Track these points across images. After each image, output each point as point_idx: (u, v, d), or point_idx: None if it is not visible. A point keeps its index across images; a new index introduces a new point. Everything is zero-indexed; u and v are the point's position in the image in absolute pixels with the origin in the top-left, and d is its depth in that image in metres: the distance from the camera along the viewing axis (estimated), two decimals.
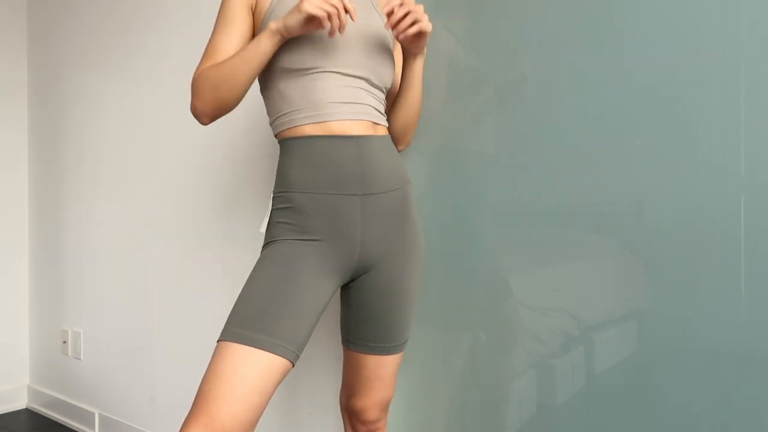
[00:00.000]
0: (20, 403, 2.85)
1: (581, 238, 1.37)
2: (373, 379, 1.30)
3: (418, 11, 1.17)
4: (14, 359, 2.85)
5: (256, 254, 1.89)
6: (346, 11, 1.13)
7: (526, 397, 1.43)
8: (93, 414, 2.50)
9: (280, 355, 1.06)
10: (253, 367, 1.03)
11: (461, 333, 1.52)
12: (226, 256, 2.01)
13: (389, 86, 1.30)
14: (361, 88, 1.23)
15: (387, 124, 1.30)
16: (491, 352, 1.49)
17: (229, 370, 1.01)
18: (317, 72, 1.19)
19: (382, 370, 1.30)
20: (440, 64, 1.52)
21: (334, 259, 1.19)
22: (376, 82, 1.25)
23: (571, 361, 1.37)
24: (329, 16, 1.10)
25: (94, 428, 2.49)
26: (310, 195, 1.18)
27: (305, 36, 1.18)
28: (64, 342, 2.66)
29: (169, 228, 2.22)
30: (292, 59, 1.19)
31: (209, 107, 1.23)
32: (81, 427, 2.55)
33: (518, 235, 1.44)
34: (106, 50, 2.47)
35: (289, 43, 1.18)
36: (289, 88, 1.21)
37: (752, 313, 1.14)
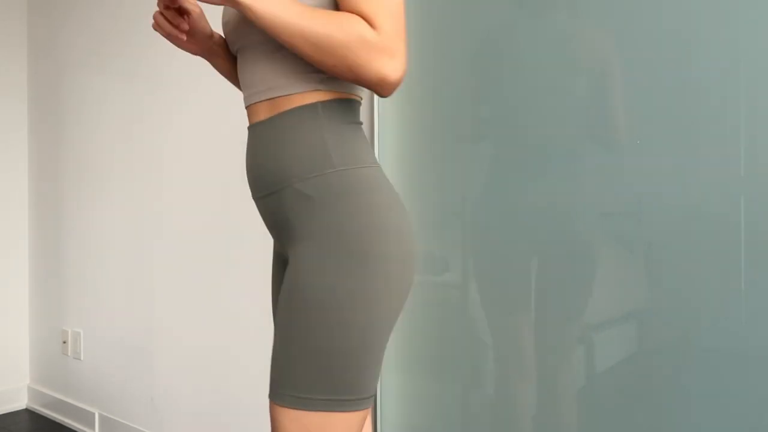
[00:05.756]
0: (20, 403, 2.85)
1: (581, 237, 1.37)
2: None
3: None
4: (14, 359, 2.85)
5: (257, 255, 1.90)
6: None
7: (525, 397, 1.43)
8: (93, 414, 2.50)
9: None
10: None
11: (460, 333, 1.52)
12: (227, 256, 2.01)
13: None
14: (252, 60, 0.98)
15: (298, 89, 0.93)
16: (490, 352, 1.49)
17: None
18: (237, 54, 1.04)
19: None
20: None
21: None
22: (258, 45, 0.97)
23: (571, 361, 1.37)
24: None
25: (94, 428, 2.49)
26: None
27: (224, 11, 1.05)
28: (64, 342, 2.66)
29: (170, 228, 2.22)
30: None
31: None
32: (81, 427, 2.55)
33: (517, 235, 1.44)
34: (108, 51, 2.47)
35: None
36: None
37: (752, 313, 1.14)
